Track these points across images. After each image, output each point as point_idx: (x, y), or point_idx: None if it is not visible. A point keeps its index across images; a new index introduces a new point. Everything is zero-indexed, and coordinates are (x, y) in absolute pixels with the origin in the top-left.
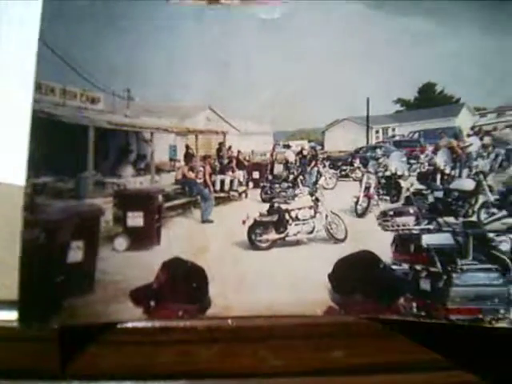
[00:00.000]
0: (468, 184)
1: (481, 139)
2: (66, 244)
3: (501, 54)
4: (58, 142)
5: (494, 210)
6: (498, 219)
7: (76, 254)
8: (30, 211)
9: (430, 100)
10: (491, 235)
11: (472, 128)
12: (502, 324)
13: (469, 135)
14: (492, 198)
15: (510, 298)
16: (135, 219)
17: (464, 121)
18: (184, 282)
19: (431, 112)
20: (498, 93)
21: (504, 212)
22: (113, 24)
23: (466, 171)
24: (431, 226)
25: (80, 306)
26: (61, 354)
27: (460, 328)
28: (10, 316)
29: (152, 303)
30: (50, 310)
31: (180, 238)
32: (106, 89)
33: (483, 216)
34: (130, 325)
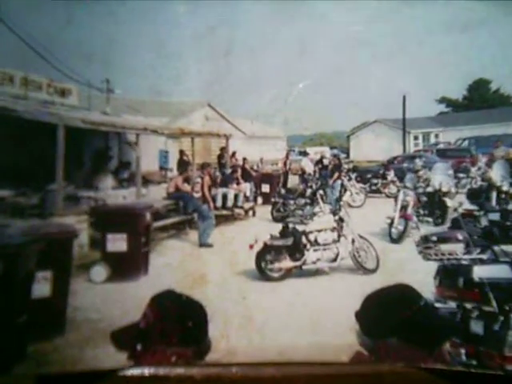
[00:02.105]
0: None
1: None
2: (30, 275)
3: None
4: (18, 145)
5: None
6: None
7: (43, 287)
8: None
9: (482, 100)
10: None
11: None
12: None
13: None
14: None
15: None
16: (117, 243)
17: None
18: (178, 321)
19: (484, 115)
20: None
21: None
22: (87, 2)
23: None
24: (485, 256)
25: (50, 352)
26: None
27: None
28: None
29: (139, 347)
30: (11, 357)
31: (173, 265)
32: (80, 79)
33: None
34: (112, 373)
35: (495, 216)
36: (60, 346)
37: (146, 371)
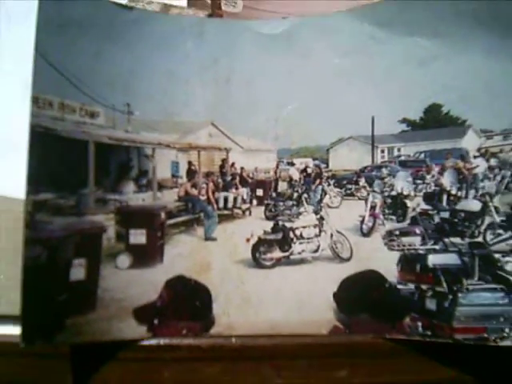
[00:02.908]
0: (474, 205)
1: (487, 161)
2: (69, 262)
3: (508, 79)
4: (57, 158)
5: (500, 232)
6: (504, 240)
7: (78, 271)
8: (31, 228)
9: (435, 121)
10: (497, 256)
11: (478, 150)
12: (507, 343)
13: (475, 157)
14: (498, 219)
15: None
16: (138, 236)
17: (470, 142)
18: (187, 301)
19: (437, 133)
20: (504, 115)
21: (510, 233)
22: (111, 40)
23: (472, 192)
24: (437, 247)
25: (83, 324)
26: (72, 371)
27: (465, 347)
28: (17, 331)
29: (156, 321)
30: (54, 328)
31: (183, 255)
32: (106, 103)
33: (489, 237)
34: (134, 342)
35: (446, 214)
36: (91, 319)
37: (162, 341)
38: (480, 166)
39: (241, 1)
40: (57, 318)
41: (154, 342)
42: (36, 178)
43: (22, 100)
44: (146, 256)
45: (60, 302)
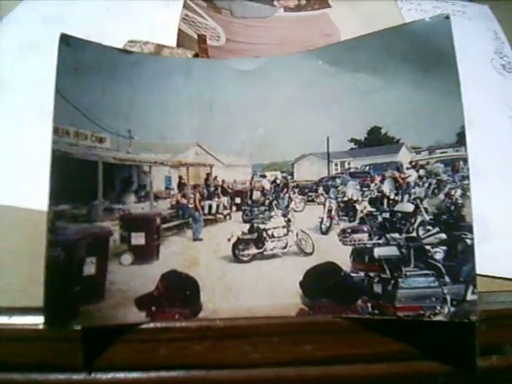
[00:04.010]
0: (408, 207)
1: (417, 171)
2: (82, 260)
3: (431, 107)
4: (73, 176)
5: (430, 228)
6: (433, 235)
7: (90, 268)
8: (52, 233)
9: (376, 140)
10: (427, 247)
11: (410, 163)
12: (439, 318)
13: (408, 168)
14: (427, 218)
15: (444, 297)
16: (138, 238)
17: (403, 157)
18: (179, 291)
19: (378, 150)
20: (429, 136)
21: (437, 229)
22: (115, 79)
23: (406, 197)
24: (381, 241)
25: (94, 311)
26: (83, 351)
27: (406, 323)
28: (36, 320)
29: (153, 308)
30: (70, 315)
31: (175, 253)
32: (111, 130)
33: (421, 232)
34: (135, 326)
35: (386, 215)
36: (101, 307)
37: (158, 325)
38: (412, 175)
39: (223, 34)
40: (73, 306)
41: (151, 325)
42: (56, 192)
43: (37, 124)
44: (145, 254)
45: (75, 293)
